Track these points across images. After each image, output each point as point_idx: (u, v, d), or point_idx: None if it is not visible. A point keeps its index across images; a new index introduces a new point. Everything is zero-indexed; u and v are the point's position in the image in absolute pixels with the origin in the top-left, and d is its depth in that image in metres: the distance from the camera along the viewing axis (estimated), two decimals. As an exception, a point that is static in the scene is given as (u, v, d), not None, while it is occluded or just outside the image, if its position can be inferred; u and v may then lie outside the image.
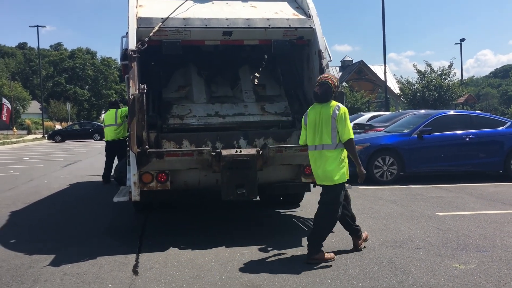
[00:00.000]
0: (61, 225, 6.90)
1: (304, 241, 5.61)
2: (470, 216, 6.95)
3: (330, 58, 6.27)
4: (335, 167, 4.82)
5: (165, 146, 5.89)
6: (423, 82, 32.61)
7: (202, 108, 6.31)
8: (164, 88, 6.56)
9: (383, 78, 32.90)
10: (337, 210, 4.90)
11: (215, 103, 6.41)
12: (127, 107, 10.27)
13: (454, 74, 33.38)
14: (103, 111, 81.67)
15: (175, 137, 5.96)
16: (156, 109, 6.18)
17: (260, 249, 5.31)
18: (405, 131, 10.98)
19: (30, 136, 45.05)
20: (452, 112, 12.24)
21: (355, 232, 5.22)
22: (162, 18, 5.91)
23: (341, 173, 4.87)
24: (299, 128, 6.24)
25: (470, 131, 10.77)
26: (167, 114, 6.14)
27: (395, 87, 40.59)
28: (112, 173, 10.56)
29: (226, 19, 6.10)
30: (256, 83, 6.79)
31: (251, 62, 7.00)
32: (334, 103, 4.86)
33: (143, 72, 5.94)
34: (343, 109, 4.82)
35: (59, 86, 76.54)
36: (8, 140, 34.44)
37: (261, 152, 5.55)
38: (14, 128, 49.22)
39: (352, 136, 4.85)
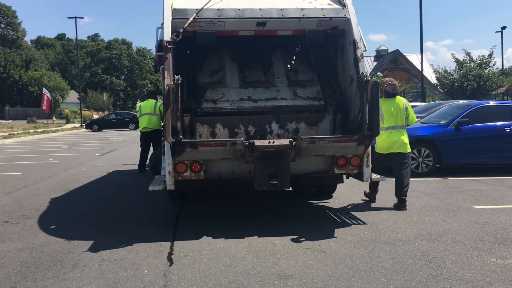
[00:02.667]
0: (99, 212, 7.11)
1: (337, 232, 5.60)
2: (509, 210, 6.76)
3: (365, 48, 6.17)
4: (407, 141, 7.07)
5: (199, 129, 5.99)
6: (462, 71, 31.70)
7: (235, 92, 6.36)
8: (198, 73, 6.65)
9: (419, 68, 32.19)
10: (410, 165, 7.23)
11: (248, 87, 6.46)
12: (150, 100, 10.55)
13: (494, 63, 32.33)
14: (138, 101, 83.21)
15: (208, 121, 6.05)
16: (191, 93, 6.27)
17: (292, 240, 5.33)
18: (442, 122, 10.73)
19: (69, 125, 46.36)
20: (491, 103, 11.83)
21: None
22: (196, 9, 5.95)
23: (409, 145, 7.11)
24: (331, 112, 6.25)
25: (510, 122, 10.43)
26: (201, 98, 6.22)
27: (431, 77, 39.60)
28: (147, 162, 10.77)
29: (260, 9, 6.08)
30: (288, 68, 6.79)
31: (284, 48, 6.97)
32: (401, 97, 7.24)
33: (178, 58, 6.00)
34: (408, 102, 7.21)
35: (96, 76, 78.32)
36: (48, 129, 35.55)
37: (294, 143, 5.55)
38: (54, 117, 50.76)
39: (416, 120, 7.46)
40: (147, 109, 10.97)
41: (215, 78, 6.61)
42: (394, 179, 7.06)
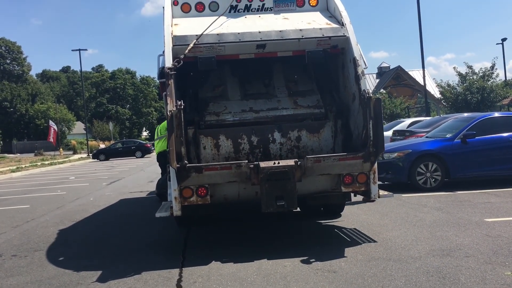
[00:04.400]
0: (107, 241, 7.07)
1: (348, 252, 5.52)
2: (521, 221, 6.66)
3: (366, 65, 6.20)
4: None
5: (203, 141, 6.09)
6: (465, 84, 31.68)
7: (237, 104, 6.48)
8: (200, 88, 6.77)
9: (422, 83, 32.24)
10: None
11: (249, 99, 6.57)
12: (165, 122, 10.54)
13: (497, 75, 32.28)
14: (144, 129, 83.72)
15: (212, 133, 6.15)
16: (193, 107, 6.37)
17: (302, 261, 5.25)
18: (448, 135, 10.68)
19: (76, 156, 46.59)
20: (496, 114, 11.80)
21: None
22: (196, 35, 6.02)
23: None
24: (331, 119, 6.31)
25: (517, 133, 10.36)
26: (204, 111, 6.34)
27: (435, 91, 39.56)
28: (154, 189, 10.79)
29: (259, 32, 6.14)
30: (288, 80, 6.87)
31: (284, 62, 7.02)
32: None
33: (180, 76, 6.05)
34: None
35: (102, 106, 79.06)
36: (55, 161, 35.74)
37: (299, 163, 5.53)
38: (61, 149, 51.05)
39: None
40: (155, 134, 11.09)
41: (217, 92, 6.72)
42: (402, 195, 6.97)
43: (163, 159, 10.77)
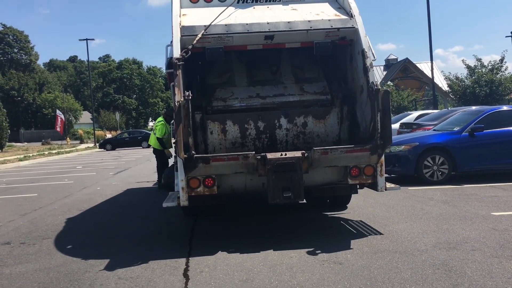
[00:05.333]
0: (115, 230, 7.12)
1: (354, 244, 5.53)
2: (528, 215, 6.64)
3: (374, 57, 6.17)
4: None
5: (210, 126, 6.14)
6: (473, 77, 31.44)
7: (244, 90, 6.53)
8: (207, 74, 6.81)
9: (430, 76, 32.02)
10: None
11: (256, 86, 6.61)
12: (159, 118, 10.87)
13: (506, 68, 31.99)
14: (150, 119, 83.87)
15: (219, 118, 6.20)
16: (201, 93, 6.42)
17: (308, 252, 5.27)
18: (456, 129, 10.62)
19: (83, 146, 46.82)
20: (505, 108, 11.70)
21: None
22: (204, 26, 6.01)
23: None
24: (337, 106, 6.33)
25: (525, 127, 10.29)
26: (211, 97, 6.39)
27: (443, 84, 39.33)
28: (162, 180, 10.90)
29: (268, 23, 6.12)
30: (295, 67, 6.89)
31: (291, 51, 6.99)
32: None
33: (188, 65, 6.05)
34: None
35: (108, 96, 79.17)
36: (62, 150, 35.92)
37: (306, 154, 5.53)
38: (68, 138, 51.31)
39: None
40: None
41: (224, 78, 6.76)
42: (408, 188, 6.95)
43: (157, 154, 11.01)
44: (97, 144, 43.70)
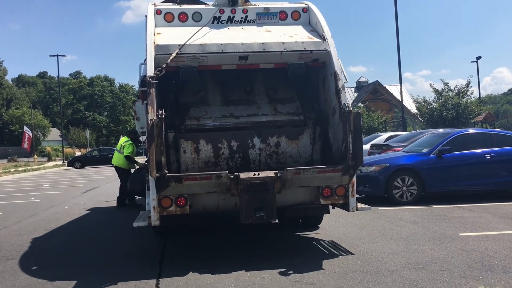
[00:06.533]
0: (82, 250, 6.94)
1: (325, 264, 5.55)
2: (494, 236, 6.80)
3: (346, 80, 6.29)
4: None
5: (183, 145, 6.11)
6: (440, 101, 32.38)
7: (218, 110, 6.55)
8: (181, 93, 6.79)
9: (399, 98, 32.77)
10: None
11: (229, 105, 6.64)
12: (125, 137, 10.91)
13: (472, 92, 33.11)
14: (121, 136, 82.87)
15: (192, 137, 6.18)
16: (174, 111, 6.40)
17: (280, 273, 5.25)
18: (424, 150, 10.87)
19: (51, 163, 45.71)
20: (471, 131, 12.08)
21: None
22: (179, 45, 6.02)
23: None
24: (310, 126, 6.40)
25: (490, 149, 10.62)
26: (185, 116, 6.39)
27: (411, 107, 40.32)
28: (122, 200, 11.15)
29: (242, 43, 6.18)
30: (269, 88, 6.95)
31: (265, 71, 7.06)
32: None
33: (161, 83, 6.04)
34: None
35: (79, 113, 78.02)
36: (29, 168, 35.01)
37: (279, 174, 5.55)
38: (35, 155, 50.05)
39: None
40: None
41: (198, 97, 6.76)
42: (379, 208, 7.05)
43: (120, 172, 11.18)
44: (66, 161, 42.75)
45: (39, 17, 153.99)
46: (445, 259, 5.61)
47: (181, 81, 6.66)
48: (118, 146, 11.56)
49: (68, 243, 7.54)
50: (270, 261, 5.78)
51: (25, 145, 46.01)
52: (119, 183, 11.55)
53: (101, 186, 18.35)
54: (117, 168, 11.37)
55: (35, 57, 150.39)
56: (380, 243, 6.58)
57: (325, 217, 7.70)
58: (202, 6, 6.79)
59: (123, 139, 11.34)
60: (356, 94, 51.38)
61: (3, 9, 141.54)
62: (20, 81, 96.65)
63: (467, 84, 32.52)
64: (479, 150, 10.63)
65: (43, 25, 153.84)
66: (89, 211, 11.09)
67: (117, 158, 11.24)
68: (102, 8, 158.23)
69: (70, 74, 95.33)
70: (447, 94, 32.56)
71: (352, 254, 6.04)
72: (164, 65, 5.85)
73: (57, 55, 48.16)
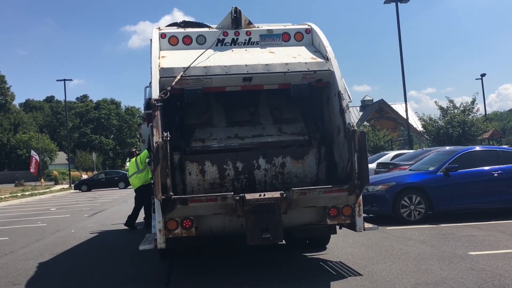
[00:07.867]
0: (89, 275, 6.90)
1: (333, 286, 5.47)
2: (504, 255, 6.70)
3: (350, 99, 6.32)
4: None
5: (188, 167, 6.08)
6: (446, 118, 32.34)
7: (223, 131, 6.55)
8: (186, 115, 6.82)
9: (404, 116, 32.75)
10: None
11: (234, 126, 6.64)
12: (145, 151, 10.64)
13: (478, 110, 33.06)
14: (128, 159, 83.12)
15: (197, 159, 6.15)
16: (180, 133, 6.42)
17: (288, 295, 5.19)
18: (431, 168, 10.81)
19: (57, 187, 45.78)
20: (478, 148, 12.02)
21: None
22: (183, 68, 6.09)
23: None
24: (315, 146, 6.38)
25: (498, 166, 10.55)
26: (190, 137, 6.38)
27: (417, 125, 40.31)
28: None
29: (246, 65, 6.23)
30: (273, 108, 6.97)
31: (269, 92, 7.10)
32: None
33: (166, 105, 6.08)
34: None
35: (85, 136, 78.50)
36: (36, 192, 35.06)
37: (285, 195, 5.53)
38: (42, 179, 50.21)
39: None
40: (132, 168, 11.19)
41: (202, 119, 6.78)
42: (386, 227, 6.99)
43: (146, 192, 10.72)
44: (72, 185, 42.83)
45: (46, 43, 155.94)
46: (455, 279, 5.53)
47: (186, 103, 6.70)
48: (132, 169, 11.19)
49: (74, 267, 7.51)
50: (277, 282, 5.72)
51: (33, 169, 46.18)
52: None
53: (108, 209, 18.33)
54: (138, 188, 11.16)
55: (42, 81, 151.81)
56: (388, 263, 6.50)
57: (333, 237, 7.64)
58: (206, 29, 6.88)
59: (132, 160, 11.23)
60: (361, 113, 51.48)
61: (11, 35, 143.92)
62: (28, 105, 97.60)
63: (473, 102, 32.49)
64: (486, 168, 10.56)
65: (50, 50, 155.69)
66: (95, 234, 11.07)
67: (135, 178, 11.07)
68: (109, 32, 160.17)
69: (77, 98, 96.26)
70: (452, 111, 32.52)
71: (360, 274, 5.96)
72: (169, 88, 5.90)
73: (64, 80, 48.79)
